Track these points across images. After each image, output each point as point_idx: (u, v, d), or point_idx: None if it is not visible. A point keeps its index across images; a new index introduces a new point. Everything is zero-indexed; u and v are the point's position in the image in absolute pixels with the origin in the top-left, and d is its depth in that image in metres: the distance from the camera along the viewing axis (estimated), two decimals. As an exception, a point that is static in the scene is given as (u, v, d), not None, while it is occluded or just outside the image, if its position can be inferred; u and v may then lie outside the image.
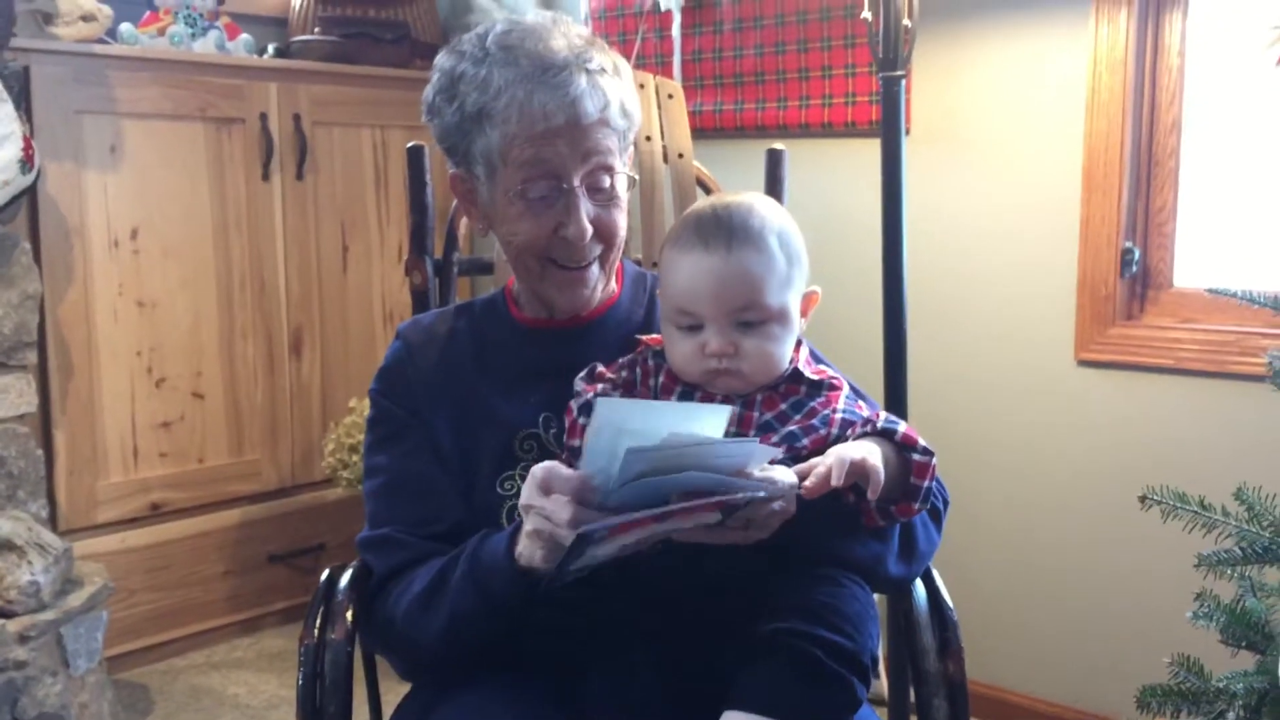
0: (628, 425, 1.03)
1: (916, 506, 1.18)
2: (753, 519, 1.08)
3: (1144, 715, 1.39)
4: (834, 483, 1.08)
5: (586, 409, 1.21)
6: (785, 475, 1.09)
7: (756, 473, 1.07)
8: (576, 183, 1.26)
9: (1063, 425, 2.38)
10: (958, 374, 2.51)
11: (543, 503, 1.09)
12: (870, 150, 2.11)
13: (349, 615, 1.29)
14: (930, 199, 2.48)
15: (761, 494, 1.04)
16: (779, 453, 1.12)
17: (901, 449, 1.17)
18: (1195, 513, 1.33)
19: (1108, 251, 2.32)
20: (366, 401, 2.78)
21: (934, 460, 1.17)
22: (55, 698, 2.22)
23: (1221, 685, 1.30)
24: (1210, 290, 1.58)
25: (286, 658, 2.87)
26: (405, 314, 2.69)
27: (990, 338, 2.47)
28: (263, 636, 2.99)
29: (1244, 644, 1.39)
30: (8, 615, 2.18)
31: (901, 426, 1.18)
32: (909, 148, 2.44)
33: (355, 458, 2.72)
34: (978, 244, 2.47)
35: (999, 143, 2.43)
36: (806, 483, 1.09)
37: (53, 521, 2.58)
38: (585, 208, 1.27)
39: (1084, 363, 2.35)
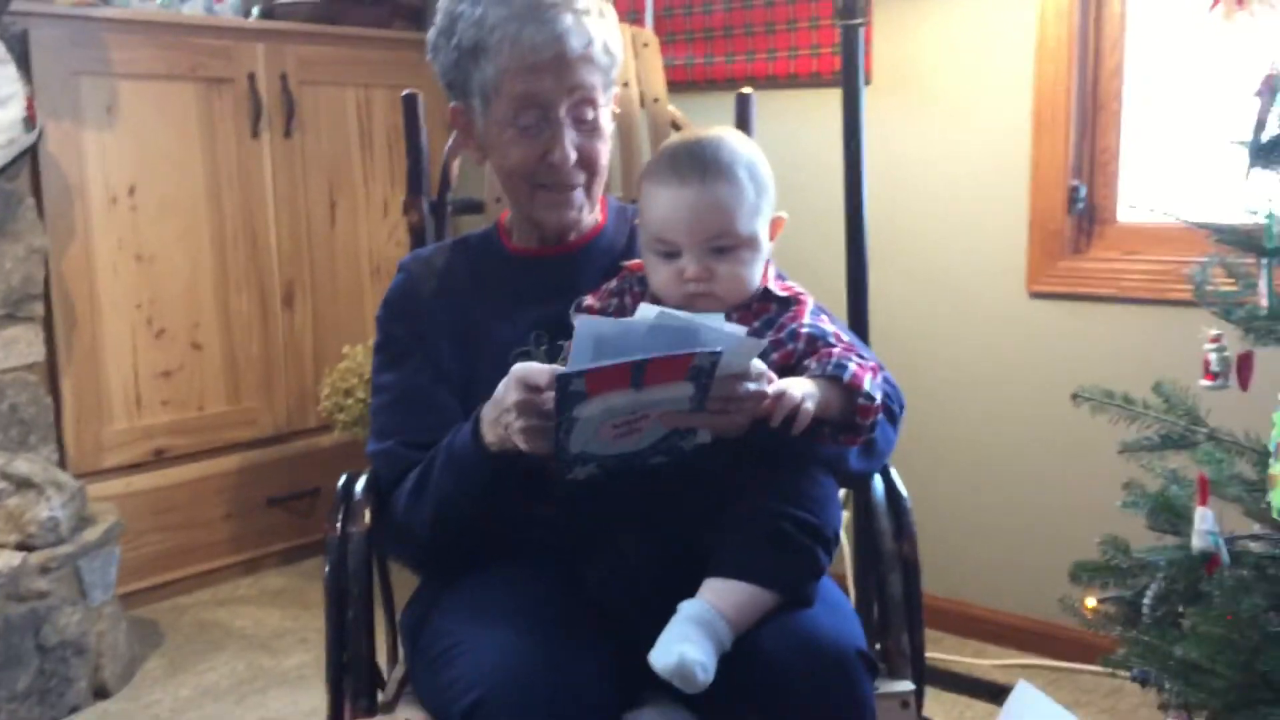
0: (603, 331, 1.16)
1: (860, 439, 1.31)
2: (731, 399, 1.20)
3: (1075, 588, 1.56)
4: (772, 423, 1.21)
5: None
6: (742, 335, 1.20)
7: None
8: (562, 113, 1.39)
9: (1016, 352, 2.54)
10: (917, 307, 2.67)
11: (521, 394, 1.19)
12: (835, 99, 2.24)
13: (366, 513, 1.42)
14: (892, 144, 2.63)
15: (720, 349, 1.14)
16: (744, 329, 1.23)
17: (849, 392, 1.28)
18: (1119, 406, 1.49)
19: (1056, 190, 2.47)
20: (360, 348, 2.93)
21: (876, 404, 1.28)
22: (75, 626, 2.36)
23: (1144, 559, 1.46)
24: (1166, 215, 1.68)
25: (288, 594, 3.01)
26: (391, 266, 2.80)
27: (947, 272, 2.63)
28: (263, 576, 3.14)
29: (1168, 529, 1.55)
30: (29, 548, 2.31)
31: (850, 370, 1.27)
32: (871, 97, 2.57)
33: (350, 401, 2.85)
34: (936, 185, 2.62)
35: (955, 89, 2.58)
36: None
37: (62, 466, 2.70)
38: (570, 136, 1.39)
39: (1035, 294, 2.51)
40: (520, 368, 1.22)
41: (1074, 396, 1.56)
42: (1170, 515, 1.56)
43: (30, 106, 2.47)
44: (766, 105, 2.73)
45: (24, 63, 2.58)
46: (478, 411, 1.30)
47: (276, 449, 3.19)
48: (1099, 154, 2.48)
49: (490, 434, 1.27)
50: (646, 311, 1.20)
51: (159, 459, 2.96)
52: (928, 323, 2.66)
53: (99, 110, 2.77)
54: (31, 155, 2.59)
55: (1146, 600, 1.47)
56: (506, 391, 1.22)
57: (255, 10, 3.21)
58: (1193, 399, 1.53)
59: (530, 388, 1.19)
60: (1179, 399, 1.50)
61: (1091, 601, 1.58)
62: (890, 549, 1.44)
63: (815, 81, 2.74)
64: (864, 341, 2.22)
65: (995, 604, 2.64)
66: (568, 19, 1.36)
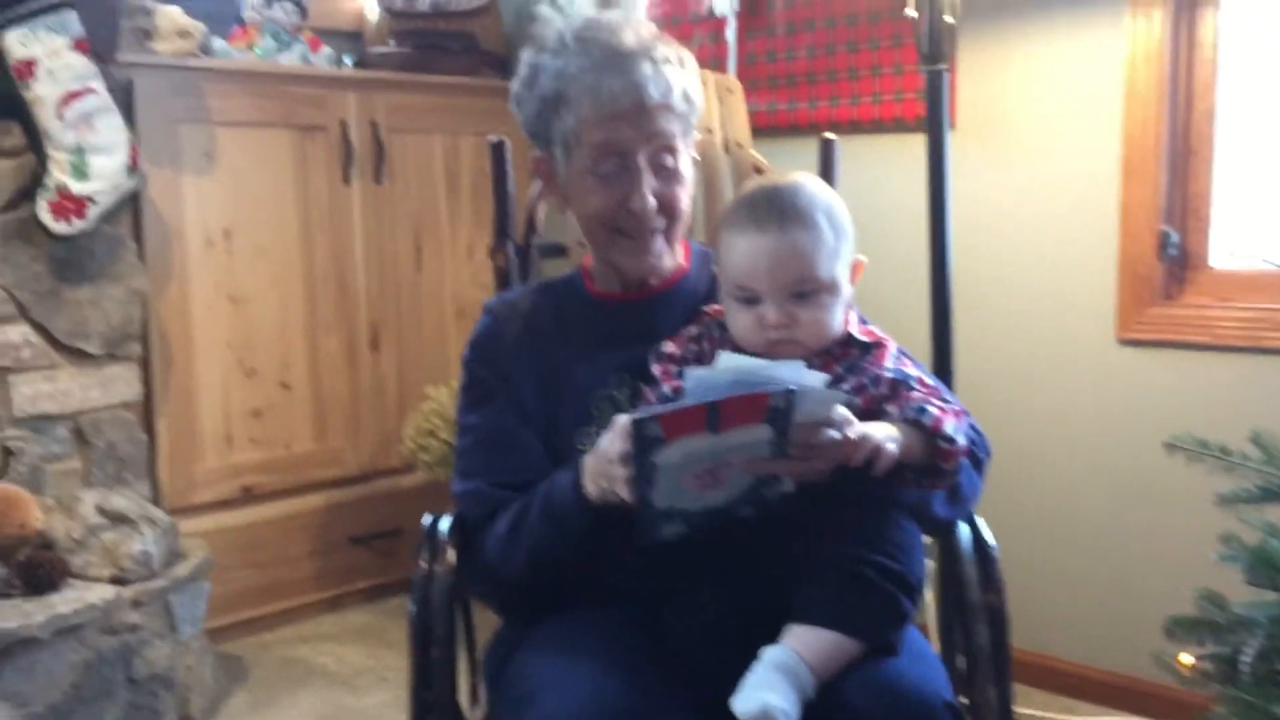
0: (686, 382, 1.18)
1: (943, 484, 1.30)
2: (813, 446, 1.19)
3: (1170, 643, 1.51)
4: (853, 464, 1.20)
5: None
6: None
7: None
8: (641, 160, 1.40)
9: (1106, 400, 2.49)
10: (1003, 354, 2.63)
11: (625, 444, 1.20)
12: (919, 144, 2.24)
13: (451, 553, 1.44)
14: (977, 189, 2.61)
15: (794, 388, 1.14)
16: (825, 376, 1.23)
17: (931, 435, 1.26)
18: (1216, 456, 1.45)
19: (1147, 235, 2.43)
20: (443, 390, 2.97)
21: (958, 446, 1.27)
22: (164, 659, 2.41)
23: (1243, 614, 1.41)
24: (1264, 262, 1.63)
25: (370, 632, 3.04)
26: (475, 309, 2.81)
27: (1034, 319, 2.59)
28: (347, 613, 3.17)
29: (1267, 584, 1.50)
30: (122, 582, 2.37)
31: (931, 413, 1.27)
32: (956, 141, 2.57)
33: (433, 442, 2.89)
34: (1023, 231, 2.60)
35: (1041, 134, 2.56)
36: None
37: (155, 502, 2.77)
38: (649, 183, 1.41)
39: (1125, 341, 2.46)
40: (624, 418, 1.22)
41: (1168, 446, 1.53)
42: (1270, 570, 1.51)
43: (134, 154, 2.57)
44: (850, 150, 2.72)
45: (128, 112, 2.68)
46: (579, 462, 1.31)
47: (360, 488, 3.24)
48: (1191, 199, 2.44)
49: (592, 485, 1.28)
50: (727, 361, 1.21)
51: (247, 496, 3.02)
52: (1014, 370, 2.62)
53: (198, 157, 2.86)
54: (133, 200, 2.69)
55: (1246, 658, 1.43)
56: (610, 442, 1.23)
57: (348, 60, 3.30)
58: (1293, 450, 1.49)
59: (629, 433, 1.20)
60: (1278, 450, 1.46)
61: (1188, 658, 1.53)
62: (977, 599, 1.41)
63: (899, 126, 2.73)
64: (949, 387, 2.22)
65: (1086, 659, 2.57)
66: (646, 68, 1.38)
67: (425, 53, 3.32)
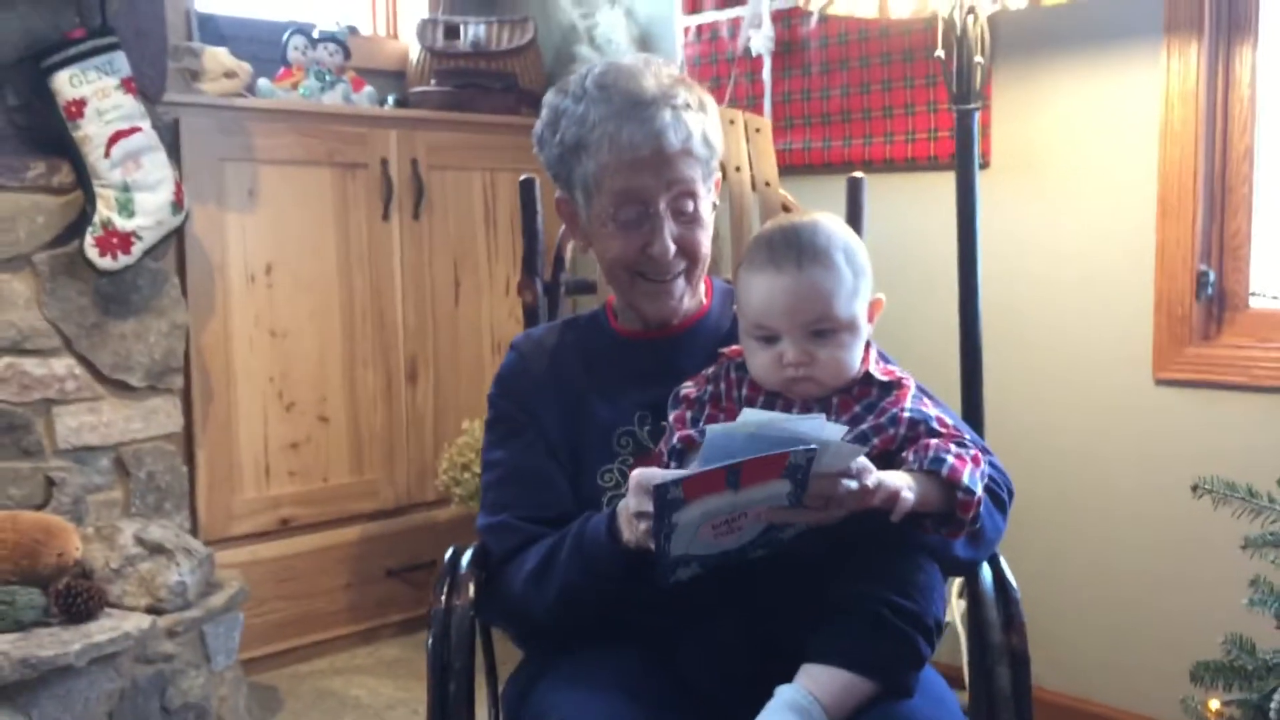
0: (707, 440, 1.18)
1: (961, 533, 1.29)
2: (831, 497, 1.19)
3: (1198, 689, 1.49)
4: (872, 503, 1.19)
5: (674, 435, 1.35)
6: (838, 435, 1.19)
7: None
8: (662, 207, 1.42)
9: (1142, 440, 2.46)
10: (1037, 395, 2.61)
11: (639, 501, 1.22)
12: (952, 182, 2.24)
13: (470, 587, 1.45)
14: (1011, 227, 2.60)
15: (814, 446, 1.14)
16: (844, 429, 1.23)
17: (949, 485, 1.25)
18: (1243, 499, 1.43)
19: (1183, 275, 2.40)
20: (478, 423, 2.99)
21: (976, 497, 1.26)
22: (198, 690, 2.44)
23: (1272, 660, 1.39)
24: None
25: (403, 665, 3.06)
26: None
27: (1068, 358, 2.57)
28: (380, 645, 3.19)
29: (1300, 630, 1.48)
30: (158, 612, 2.39)
31: (948, 463, 1.25)
32: (991, 179, 2.58)
33: (467, 475, 2.91)
34: (1056, 269, 2.58)
35: (1076, 172, 2.54)
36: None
37: (194, 533, 2.81)
38: (670, 228, 1.42)
39: (1162, 381, 2.43)
40: (639, 473, 1.23)
41: (1194, 488, 1.51)
42: (1301, 615, 1.49)
43: (178, 191, 2.62)
44: (884, 188, 2.76)
45: (174, 149, 2.74)
46: (613, 507, 1.32)
47: (396, 521, 3.26)
48: (1229, 238, 2.41)
49: (628, 531, 1.28)
50: (748, 417, 1.21)
51: (284, 528, 3.05)
52: (1047, 410, 2.60)
53: (241, 194, 2.92)
54: (178, 236, 2.74)
55: (1274, 704, 1.40)
56: (630, 498, 1.25)
57: (391, 99, 3.36)
58: (1323, 494, 1.46)
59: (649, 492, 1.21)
60: (1307, 494, 1.44)
61: (1215, 704, 1.51)
62: (998, 640, 1.40)
63: (933, 165, 2.73)
64: (979, 429, 2.21)
65: (1114, 701, 2.52)
66: (666, 115, 1.39)
67: (466, 92, 3.37)
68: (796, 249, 1.32)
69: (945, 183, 2.41)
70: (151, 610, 2.39)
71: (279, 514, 3.04)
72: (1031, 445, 2.59)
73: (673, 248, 1.43)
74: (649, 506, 1.18)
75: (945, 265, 2.34)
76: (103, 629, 2.27)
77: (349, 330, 3.14)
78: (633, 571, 1.29)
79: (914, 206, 2.77)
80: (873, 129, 2.83)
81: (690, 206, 1.44)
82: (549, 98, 1.49)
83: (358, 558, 3.18)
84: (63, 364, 2.56)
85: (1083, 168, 2.53)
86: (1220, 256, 2.42)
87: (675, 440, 1.34)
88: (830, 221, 1.37)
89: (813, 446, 1.14)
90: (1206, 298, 2.41)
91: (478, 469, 2.82)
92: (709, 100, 1.48)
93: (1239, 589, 1.59)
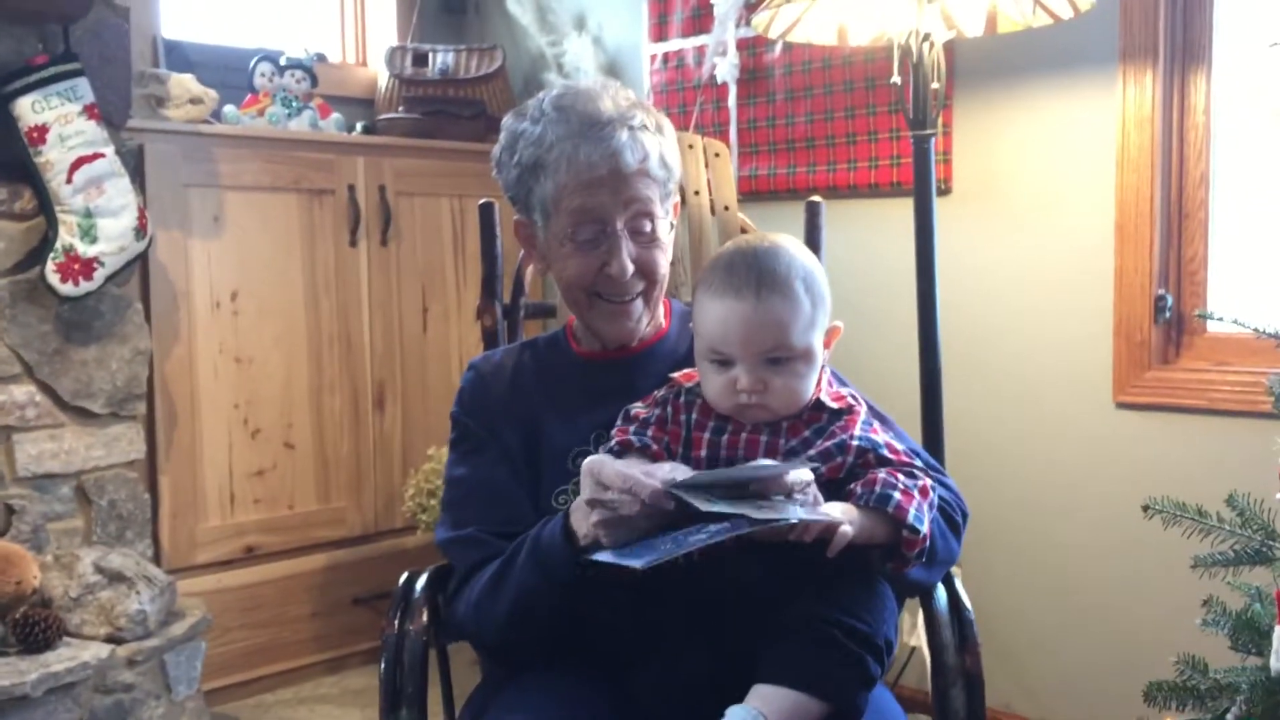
0: None
1: (907, 568, 1.29)
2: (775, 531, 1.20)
3: (1151, 709, 1.49)
4: (806, 539, 1.21)
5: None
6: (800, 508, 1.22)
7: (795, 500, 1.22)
8: (619, 226, 1.43)
9: (1103, 465, 2.48)
10: (995, 418, 2.63)
11: (611, 494, 1.23)
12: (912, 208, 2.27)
13: (424, 612, 1.44)
14: (972, 254, 2.63)
15: (794, 519, 1.17)
16: (809, 474, 1.24)
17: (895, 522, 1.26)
18: (1192, 519, 1.44)
19: (1141, 299, 2.43)
20: (444, 449, 2.98)
21: (921, 534, 1.26)
22: (159, 719, 2.41)
23: (1224, 680, 1.40)
24: (1255, 331, 1.63)
25: (368, 694, 3.03)
26: (480, 368, 2.87)
27: (1028, 383, 2.59)
28: (346, 675, 3.16)
29: (1251, 650, 1.49)
30: (117, 641, 2.37)
31: (894, 499, 1.26)
32: (951, 205, 2.60)
33: (433, 502, 2.90)
34: (1018, 295, 2.60)
35: (1035, 198, 2.57)
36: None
37: (156, 561, 2.78)
38: (627, 248, 1.43)
39: (1122, 405, 2.46)
40: (590, 461, 1.26)
41: (1145, 509, 1.52)
42: (1254, 635, 1.50)
43: (142, 216, 2.61)
44: (847, 215, 2.78)
45: (138, 176, 2.74)
46: (566, 507, 1.33)
47: (363, 548, 3.24)
48: (1186, 262, 2.44)
49: (581, 525, 1.28)
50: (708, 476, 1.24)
51: (249, 556, 3.03)
52: (1007, 434, 2.62)
53: (206, 220, 2.91)
54: (141, 262, 2.73)
55: (1227, 724, 1.41)
56: (581, 488, 1.27)
57: (358, 126, 3.36)
58: (1270, 513, 1.47)
59: (599, 485, 1.23)
60: (1254, 513, 1.45)
61: (1170, 724, 1.52)
62: (953, 662, 1.41)
63: (896, 191, 2.75)
64: (939, 453, 2.22)
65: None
66: (623, 135, 1.41)
67: (434, 119, 3.38)
68: (756, 275, 1.32)
69: (908, 209, 2.42)
70: (111, 639, 2.37)
71: (244, 541, 3.02)
72: (992, 469, 2.60)
73: (630, 267, 1.44)
74: (602, 494, 1.21)
75: (910, 291, 2.36)
76: (61, 658, 2.25)
77: (315, 356, 3.13)
78: (585, 576, 1.29)
79: (878, 233, 2.79)
80: (836, 155, 2.85)
81: (648, 227, 1.45)
82: (507, 121, 1.51)
83: (324, 586, 3.16)
84: (23, 391, 2.54)
85: (1042, 193, 2.56)
86: (1179, 281, 2.45)
87: (614, 444, 1.35)
88: (790, 245, 1.38)
89: (789, 520, 1.17)
90: (1164, 321, 2.43)
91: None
92: (666, 123, 1.49)
93: (1194, 610, 1.60)
